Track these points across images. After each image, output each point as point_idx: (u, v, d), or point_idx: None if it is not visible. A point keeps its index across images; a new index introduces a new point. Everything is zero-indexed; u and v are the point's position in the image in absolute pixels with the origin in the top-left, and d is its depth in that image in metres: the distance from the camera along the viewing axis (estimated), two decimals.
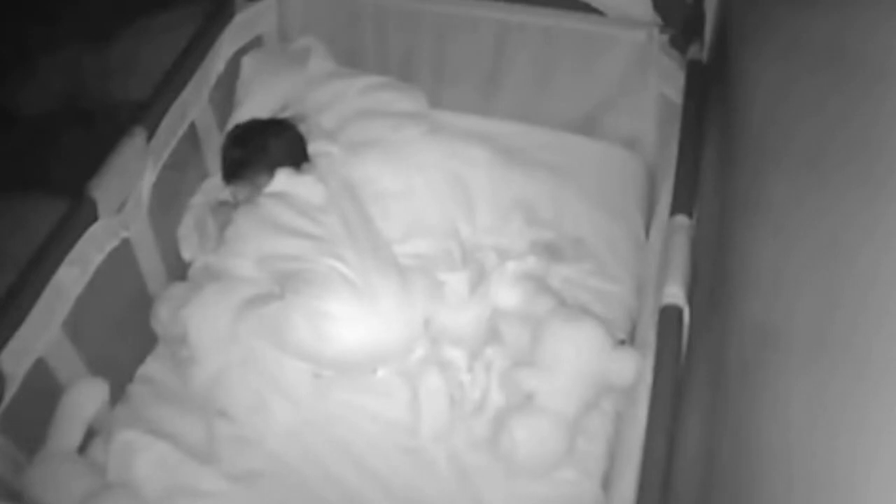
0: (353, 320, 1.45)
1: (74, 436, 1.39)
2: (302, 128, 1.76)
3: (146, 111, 1.56)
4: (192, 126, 1.70)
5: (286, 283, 1.50)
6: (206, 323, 1.49)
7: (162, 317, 1.58)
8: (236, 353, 1.47)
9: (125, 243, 1.50)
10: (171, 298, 1.59)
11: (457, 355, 1.51)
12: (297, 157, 1.70)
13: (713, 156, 1.55)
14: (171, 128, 1.60)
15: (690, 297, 1.29)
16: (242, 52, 1.85)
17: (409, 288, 1.50)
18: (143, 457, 1.40)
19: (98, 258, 1.43)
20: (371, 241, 1.56)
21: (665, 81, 1.74)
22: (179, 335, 1.51)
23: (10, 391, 1.26)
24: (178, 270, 1.70)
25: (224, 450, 1.43)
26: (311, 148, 1.73)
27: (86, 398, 1.41)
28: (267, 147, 1.68)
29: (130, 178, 1.50)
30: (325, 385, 1.51)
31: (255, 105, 1.81)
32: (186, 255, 1.71)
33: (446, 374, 1.50)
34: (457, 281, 1.57)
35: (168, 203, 1.65)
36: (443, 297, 1.54)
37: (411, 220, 1.68)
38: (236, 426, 1.46)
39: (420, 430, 1.46)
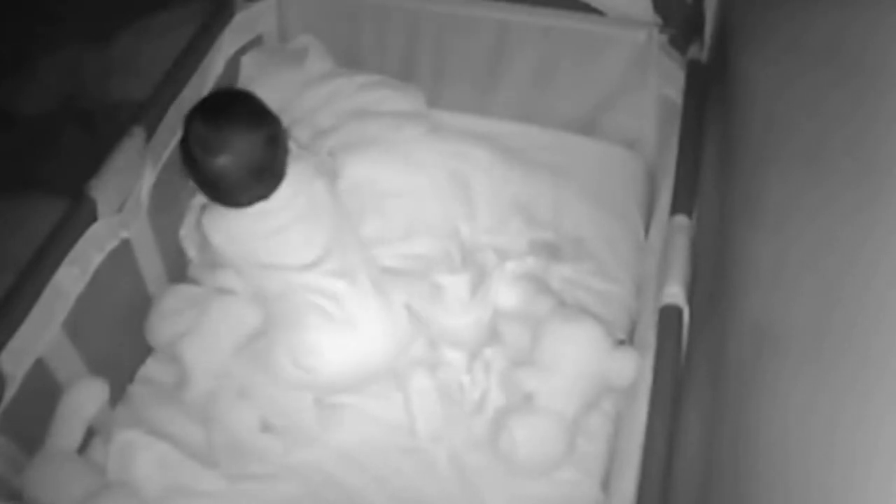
0: (334, 350, 1.42)
1: (74, 436, 1.39)
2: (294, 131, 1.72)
3: (146, 111, 1.56)
4: None
5: (268, 313, 1.49)
6: (203, 356, 1.48)
7: (157, 335, 1.56)
8: (232, 386, 1.46)
9: (125, 243, 1.50)
10: (166, 314, 1.56)
11: (456, 357, 1.51)
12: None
13: (713, 155, 1.55)
14: (171, 127, 1.60)
15: (690, 296, 1.29)
16: (242, 51, 1.85)
17: (389, 303, 1.47)
18: (142, 457, 1.39)
19: (98, 258, 1.43)
20: (345, 258, 1.48)
21: (665, 81, 1.73)
22: (175, 357, 1.51)
23: (10, 391, 1.26)
24: (178, 270, 1.70)
25: (223, 456, 1.43)
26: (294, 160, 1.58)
27: (86, 398, 1.41)
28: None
29: (130, 178, 1.50)
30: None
31: None
32: (192, 253, 1.70)
33: (445, 374, 1.49)
34: (457, 284, 1.55)
35: (168, 203, 1.65)
36: (443, 302, 1.53)
37: (412, 219, 1.67)
38: (235, 438, 1.45)
39: (415, 431, 1.46)
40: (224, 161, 1.36)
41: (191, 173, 1.41)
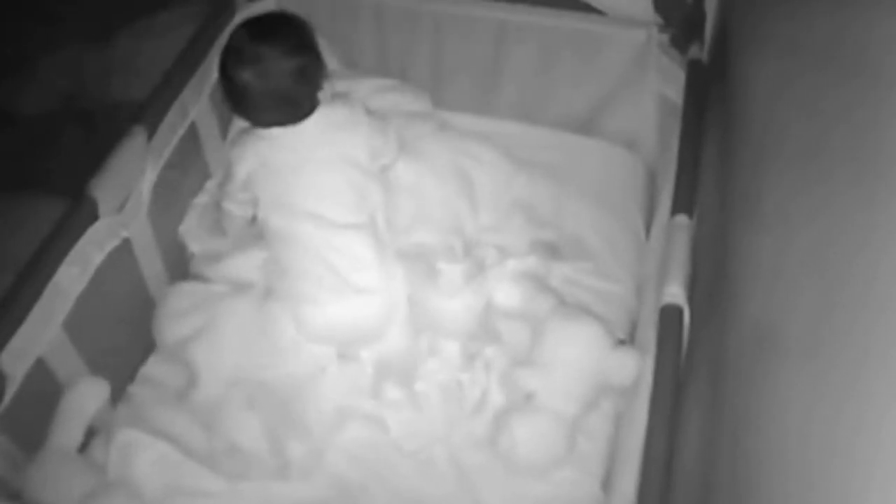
0: (332, 302, 1.45)
1: (75, 435, 1.39)
2: None
3: (146, 110, 1.56)
4: (193, 125, 1.69)
5: (273, 258, 1.51)
6: (212, 361, 1.49)
7: (164, 336, 1.56)
8: (240, 393, 1.47)
9: (125, 243, 1.50)
10: (174, 315, 1.57)
11: (450, 348, 1.51)
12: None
13: (713, 155, 1.55)
14: (172, 127, 1.60)
15: (690, 296, 1.29)
16: None
17: (388, 262, 1.50)
18: (143, 456, 1.39)
19: (98, 258, 1.43)
20: (358, 216, 1.51)
21: (665, 81, 1.73)
22: (183, 359, 1.52)
23: (10, 391, 1.26)
24: (179, 269, 1.70)
25: (224, 462, 1.43)
26: None
27: (86, 398, 1.41)
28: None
29: (131, 178, 1.50)
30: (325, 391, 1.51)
31: None
32: (194, 247, 1.71)
33: (444, 373, 1.49)
34: (453, 271, 1.56)
35: (169, 202, 1.65)
36: (436, 284, 1.53)
37: (417, 211, 1.67)
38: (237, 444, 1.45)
39: (416, 432, 1.46)
40: (248, 76, 1.40)
41: (220, 78, 1.45)
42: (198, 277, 1.66)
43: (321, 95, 1.49)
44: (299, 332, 1.47)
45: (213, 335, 1.50)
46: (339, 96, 1.57)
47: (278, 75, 1.41)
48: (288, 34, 1.44)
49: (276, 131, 1.47)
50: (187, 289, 1.62)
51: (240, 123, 1.79)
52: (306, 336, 1.48)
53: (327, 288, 1.45)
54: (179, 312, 1.56)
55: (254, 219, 1.57)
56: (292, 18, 1.50)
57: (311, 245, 1.46)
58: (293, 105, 1.46)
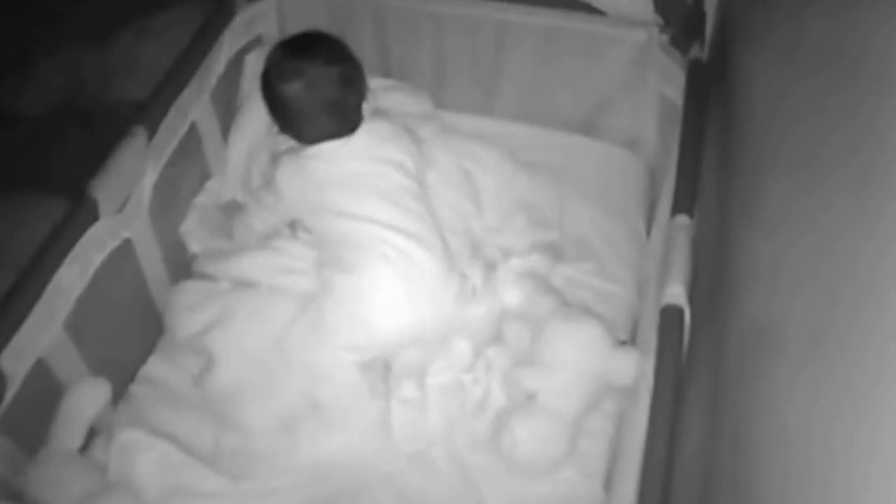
0: (390, 303, 1.44)
1: (76, 436, 1.39)
2: None
3: (147, 111, 1.56)
4: (193, 126, 1.69)
5: (329, 258, 1.50)
6: (231, 347, 1.49)
7: (180, 331, 1.57)
8: (259, 378, 1.47)
9: (126, 243, 1.50)
10: (186, 309, 1.57)
11: (462, 347, 1.51)
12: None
13: (714, 156, 1.55)
14: (172, 128, 1.60)
15: (691, 296, 1.29)
16: (243, 51, 1.85)
17: (451, 269, 1.48)
18: (144, 457, 1.39)
19: (99, 258, 1.43)
20: (423, 224, 1.51)
21: (665, 81, 1.73)
22: (200, 349, 1.52)
23: (11, 391, 1.26)
24: (180, 269, 1.70)
25: (229, 459, 1.43)
26: None
27: (87, 398, 1.41)
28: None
29: (131, 178, 1.50)
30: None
31: (259, 105, 1.79)
32: (195, 247, 1.71)
33: (447, 373, 1.49)
34: (474, 276, 1.55)
35: (169, 203, 1.65)
36: (464, 290, 1.53)
37: None
38: (246, 441, 1.45)
39: (395, 441, 1.46)
40: (295, 89, 1.45)
41: (265, 101, 1.51)
42: (202, 276, 1.66)
43: (364, 109, 1.52)
44: (351, 332, 1.45)
45: (233, 324, 1.51)
46: (378, 112, 1.60)
47: (325, 83, 1.45)
48: (324, 46, 1.49)
49: (325, 147, 1.48)
50: (193, 286, 1.63)
51: (240, 119, 1.80)
52: (357, 337, 1.46)
53: (387, 290, 1.43)
54: (192, 306, 1.58)
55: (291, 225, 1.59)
56: (326, 35, 1.53)
57: (371, 246, 1.44)
58: (343, 113, 1.49)
